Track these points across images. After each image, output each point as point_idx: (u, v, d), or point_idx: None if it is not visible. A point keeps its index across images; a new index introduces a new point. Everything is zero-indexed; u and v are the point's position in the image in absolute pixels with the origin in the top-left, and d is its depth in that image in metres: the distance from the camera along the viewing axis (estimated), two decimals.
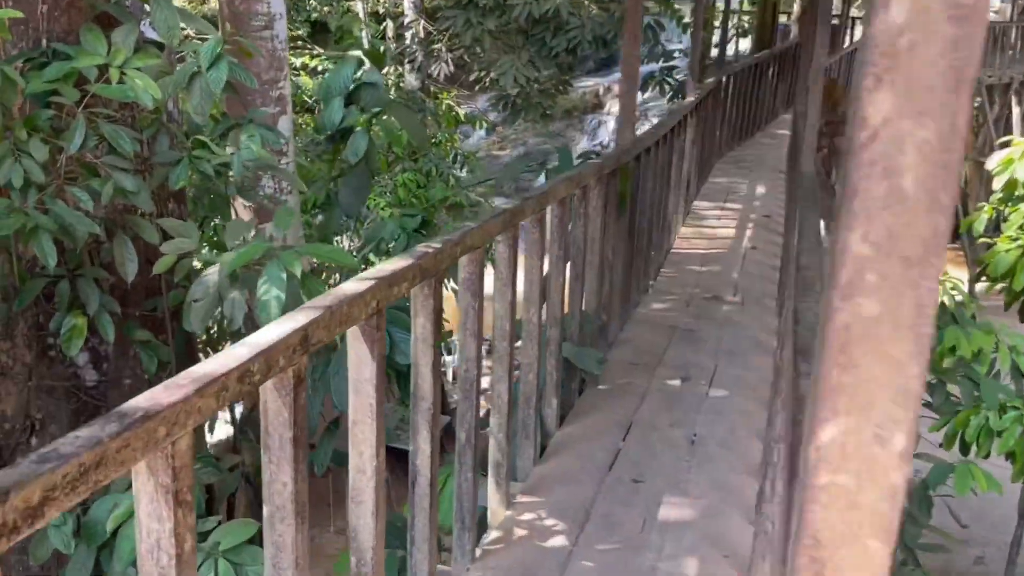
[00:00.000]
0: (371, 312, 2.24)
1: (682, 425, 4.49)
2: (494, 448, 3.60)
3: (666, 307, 6.35)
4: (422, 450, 2.74)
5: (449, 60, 14.08)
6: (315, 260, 4.08)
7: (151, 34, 4.42)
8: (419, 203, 11.22)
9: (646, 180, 6.17)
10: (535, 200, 3.67)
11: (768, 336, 5.82)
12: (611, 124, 26.66)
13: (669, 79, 11.85)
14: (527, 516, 3.61)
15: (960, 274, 22.04)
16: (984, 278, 9.20)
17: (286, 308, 3.52)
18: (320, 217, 9.62)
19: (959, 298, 7.74)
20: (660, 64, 11.88)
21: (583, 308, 4.79)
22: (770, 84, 13.65)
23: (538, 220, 3.77)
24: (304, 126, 13.38)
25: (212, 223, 7.56)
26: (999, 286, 8.89)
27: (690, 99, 8.39)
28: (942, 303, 7.58)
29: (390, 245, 4.70)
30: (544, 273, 4.00)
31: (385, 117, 4.98)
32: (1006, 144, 10.02)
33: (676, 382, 5.03)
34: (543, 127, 16.36)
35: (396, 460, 5.32)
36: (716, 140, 11.09)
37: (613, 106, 27.60)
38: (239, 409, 5.14)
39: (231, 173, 4.01)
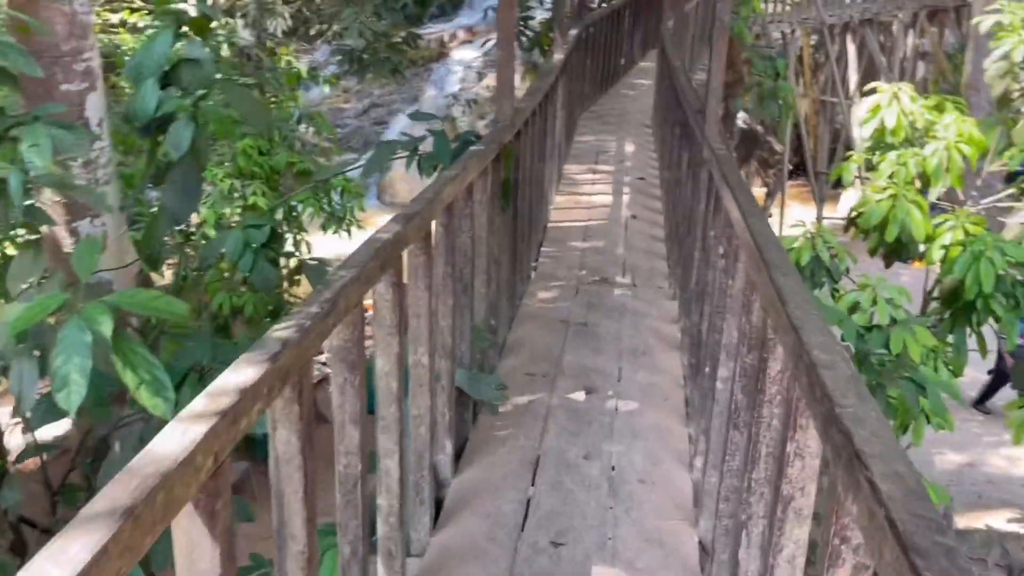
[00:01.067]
0: (208, 475, 1.41)
1: (596, 456, 3.81)
2: (384, 535, 2.82)
3: (554, 296, 5.65)
4: None
5: (286, 14, 12.81)
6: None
7: None
8: (262, 171, 10.16)
9: (525, 156, 5.41)
10: (420, 216, 2.86)
11: (669, 327, 5.22)
12: (460, 73, 25.72)
13: (526, 31, 11.04)
14: None
15: (808, 211, 22.39)
16: (854, 227, 8.98)
17: (92, 384, 2.61)
18: (153, 194, 8.40)
19: (832, 250, 7.43)
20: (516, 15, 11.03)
21: (473, 322, 4.02)
22: (627, 32, 13.05)
23: (423, 239, 2.96)
24: (128, 92, 11.93)
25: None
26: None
27: (558, 56, 7.64)
28: (816, 257, 7.27)
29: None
30: (432, 300, 3.20)
31: (213, 100, 4.01)
32: (872, 91, 9.78)
33: (580, 395, 4.35)
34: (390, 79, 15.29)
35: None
36: (581, 95, 10.42)
37: (459, 53, 26.66)
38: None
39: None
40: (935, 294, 8.91)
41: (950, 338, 7.38)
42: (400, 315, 2.62)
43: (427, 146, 4.47)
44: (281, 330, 1.83)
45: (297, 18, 14.33)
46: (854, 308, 7.05)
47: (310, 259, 5.06)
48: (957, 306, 7.74)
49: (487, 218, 4.10)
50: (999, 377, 10.96)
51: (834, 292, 7.17)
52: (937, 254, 7.86)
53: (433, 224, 3.15)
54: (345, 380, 2.24)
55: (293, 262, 5.98)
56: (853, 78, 22.77)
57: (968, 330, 7.29)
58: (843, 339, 4.69)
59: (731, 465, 2.78)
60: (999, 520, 10.24)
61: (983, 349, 7.71)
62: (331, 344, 2.23)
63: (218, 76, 4.21)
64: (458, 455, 3.78)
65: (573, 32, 9.21)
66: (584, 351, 4.82)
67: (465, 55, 26.38)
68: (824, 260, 7.35)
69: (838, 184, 25.06)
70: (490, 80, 26.58)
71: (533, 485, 3.58)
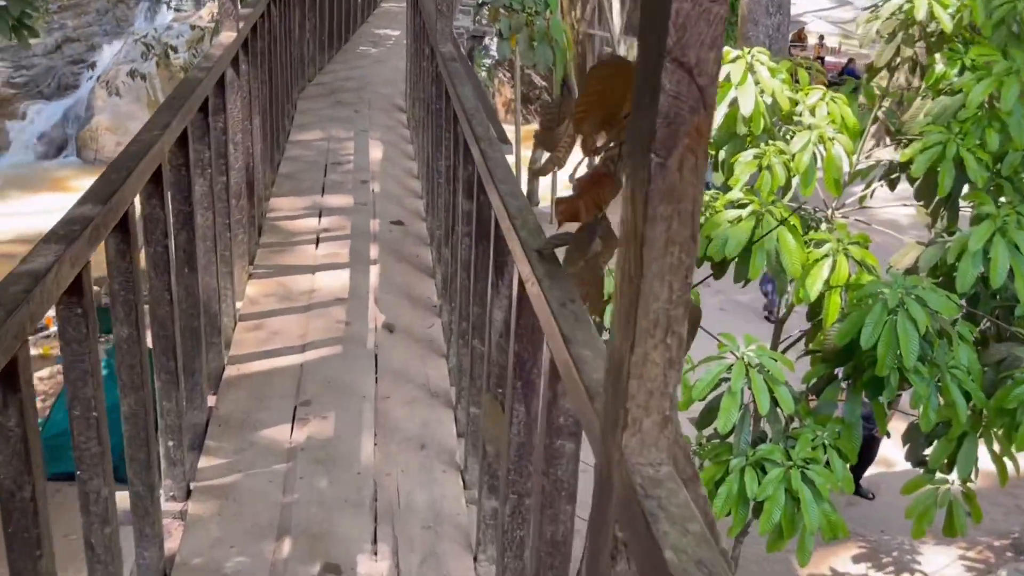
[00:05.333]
0: None
1: None
2: None
3: None
4: None
5: None
6: None
7: None
8: None
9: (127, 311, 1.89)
10: None
11: None
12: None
13: None
14: None
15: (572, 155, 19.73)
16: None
17: None
18: None
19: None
20: None
21: None
22: None
23: None
24: None
25: None
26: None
27: (228, 35, 3.95)
28: None
29: None
30: None
31: None
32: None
33: None
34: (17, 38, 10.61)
35: None
36: (301, 63, 6.75)
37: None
38: None
39: None
40: (811, 345, 6.15)
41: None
42: None
43: None
44: None
45: None
46: (716, 384, 4.50)
47: None
48: (859, 376, 5.15)
49: None
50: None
51: None
52: (815, 292, 5.25)
53: None
54: None
55: None
56: (616, 6, 20.07)
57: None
58: None
59: None
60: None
61: (884, 427, 5.30)
62: None
63: None
64: None
65: None
66: None
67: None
68: None
69: None
70: (213, 6, 21.64)
71: None
